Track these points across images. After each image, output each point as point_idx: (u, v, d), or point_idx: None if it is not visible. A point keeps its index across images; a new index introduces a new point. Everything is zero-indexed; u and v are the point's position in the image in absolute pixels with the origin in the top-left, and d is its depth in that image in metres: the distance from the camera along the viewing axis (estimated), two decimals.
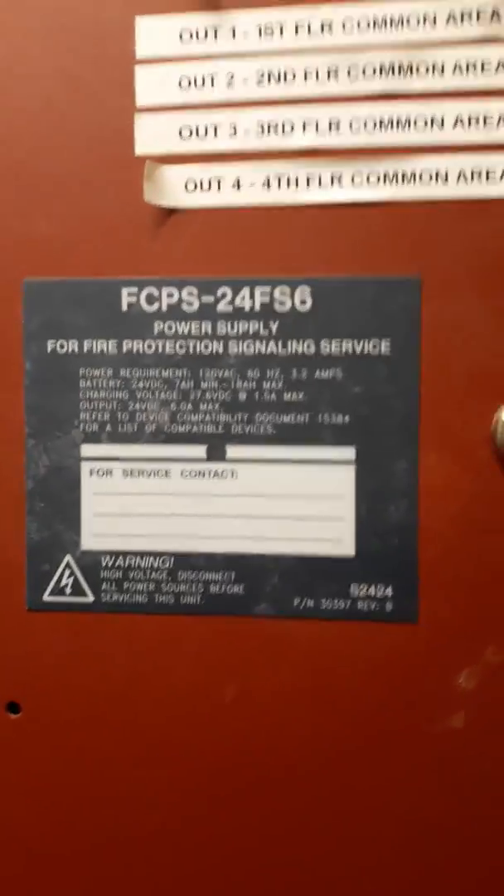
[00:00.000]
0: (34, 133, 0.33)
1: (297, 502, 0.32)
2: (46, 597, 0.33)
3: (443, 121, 0.31)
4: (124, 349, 0.33)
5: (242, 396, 0.32)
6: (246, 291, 0.32)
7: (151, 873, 0.33)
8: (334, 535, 0.32)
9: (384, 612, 0.32)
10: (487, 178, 0.31)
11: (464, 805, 0.32)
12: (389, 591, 0.32)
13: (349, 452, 0.32)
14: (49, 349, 0.33)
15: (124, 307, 0.33)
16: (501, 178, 0.31)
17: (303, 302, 0.32)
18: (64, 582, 0.33)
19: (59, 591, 0.33)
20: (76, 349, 0.33)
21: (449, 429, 0.31)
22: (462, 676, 0.32)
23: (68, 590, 0.33)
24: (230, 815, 0.33)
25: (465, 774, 0.32)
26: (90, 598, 0.33)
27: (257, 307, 0.32)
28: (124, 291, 0.33)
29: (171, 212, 0.32)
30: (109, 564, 0.33)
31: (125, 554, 0.33)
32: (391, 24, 0.31)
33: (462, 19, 0.31)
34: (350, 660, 0.32)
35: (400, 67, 0.31)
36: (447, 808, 0.32)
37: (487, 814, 0.32)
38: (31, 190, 0.33)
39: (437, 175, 0.31)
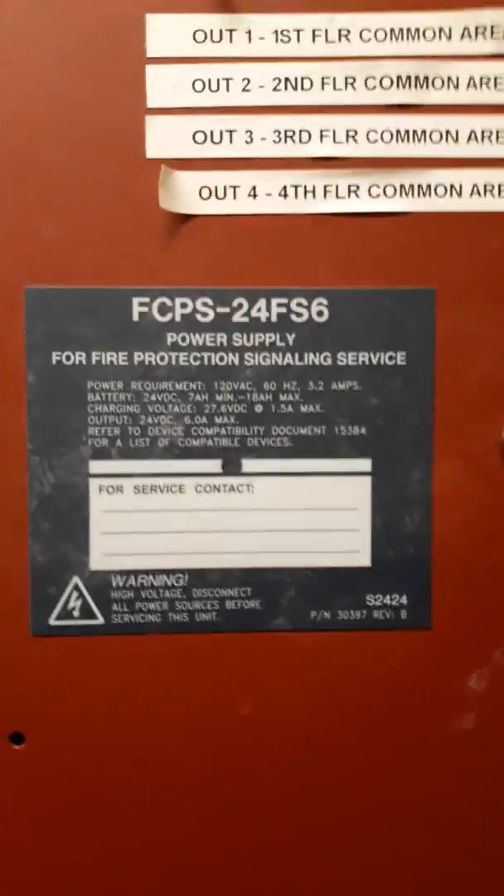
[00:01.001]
0: (38, 131, 0.24)
1: (313, 515, 0.26)
2: (53, 621, 0.25)
3: (457, 134, 0.25)
4: (136, 361, 0.25)
5: (259, 409, 0.25)
6: (262, 302, 0.25)
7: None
8: (350, 547, 0.26)
9: (399, 619, 0.26)
10: (500, 192, 0.26)
11: (476, 800, 0.26)
12: (404, 600, 0.26)
13: (365, 464, 0.26)
14: (54, 361, 0.25)
15: (135, 317, 0.25)
16: None
17: (319, 313, 0.25)
18: (72, 605, 0.25)
19: (66, 614, 0.25)
20: (83, 361, 0.25)
21: (461, 439, 0.26)
22: (473, 678, 0.26)
23: (76, 612, 0.25)
24: (251, 831, 0.26)
25: (477, 772, 0.26)
26: (100, 620, 0.25)
27: (274, 318, 0.25)
28: (135, 301, 0.25)
29: (184, 219, 0.25)
30: (120, 584, 0.26)
31: (137, 573, 0.25)
32: (407, 36, 0.25)
33: (476, 34, 0.25)
34: (366, 667, 0.26)
35: (416, 79, 0.25)
36: (461, 803, 0.26)
37: (499, 809, 0.26)
38: (34, 191, 0.24)
39: (451, 188, 0.25)
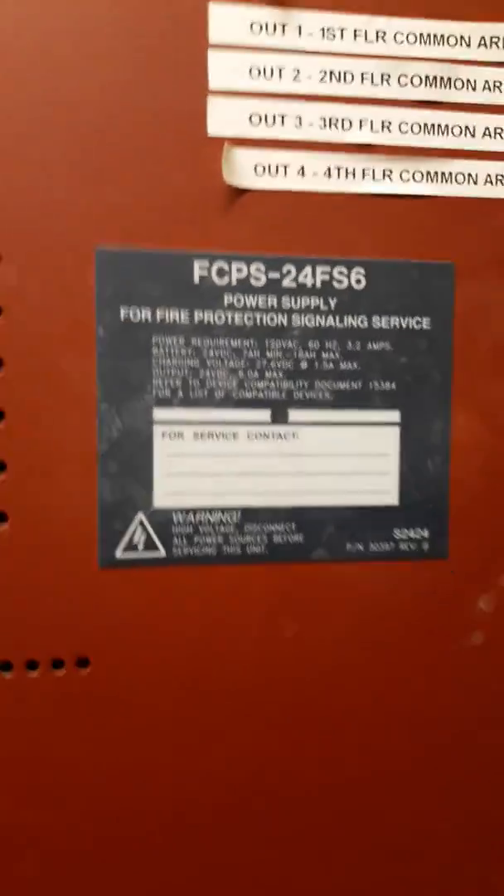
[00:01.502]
0: (113, 108, 0.26)
1: (350, 460, 0.29)
2: (119, 554, 0.28)
3: (474, 130, 0.29)
4: (196, 319, 0.28)
5: (304, 365, 0.29)
6: (308, 269, 0.28)
7: (222, 808, 0.29)
8: (381, 488, 0.29)
9: (421, 550, 0.30)
10: None
11: (484, 704, 0.30)
12: (426, 533, 0.30)
13: (395, 415, 0.29)
14: (122, 317, 0.27)
15: (196, 279, 0.28)
16: None
17: (358, 281, 0.29)
18: (136, 539, 0.28)
19: (131, 547, 0.28)
20: (149, 318, 0.27)
21: (476, 394, 0.29)
22: (482, 601, 0.30)
23: (140, 546, 0.28)
24: (297, 737, 0.29)
25: (485, 682, 0.30)
26: (162, 552, 0.28)
27: (318, 284, 0.28)
28: (196, 264, 0.28)
29: (240, 192, 0.28)
30: (181, 521, 0.28)
31: (196, 510, 0.28)
32: (433, 41, 0.29)
33: (491, 43, 0.29)
34: (393, 592, 0.29)
35: (440, 80, 0.29)
36: (472, 706, 0.30)
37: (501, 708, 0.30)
38: (106, 162, 0.26)
39: (468, 177, 0.29)
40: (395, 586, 0.29)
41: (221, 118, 0.27)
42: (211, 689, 0.28)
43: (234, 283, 0.27)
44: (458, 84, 0.28)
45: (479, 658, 0.29)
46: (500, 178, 0.29)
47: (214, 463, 0.28)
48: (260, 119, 0.27)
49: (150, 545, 0.27)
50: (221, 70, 0.27)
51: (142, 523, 0.27)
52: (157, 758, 0.28)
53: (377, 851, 0.29)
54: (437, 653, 0.29)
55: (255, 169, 0.27)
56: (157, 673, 0.27)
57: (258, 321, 0.27)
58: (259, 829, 0.28)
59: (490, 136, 0.29)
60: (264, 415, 0.28)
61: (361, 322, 0.28)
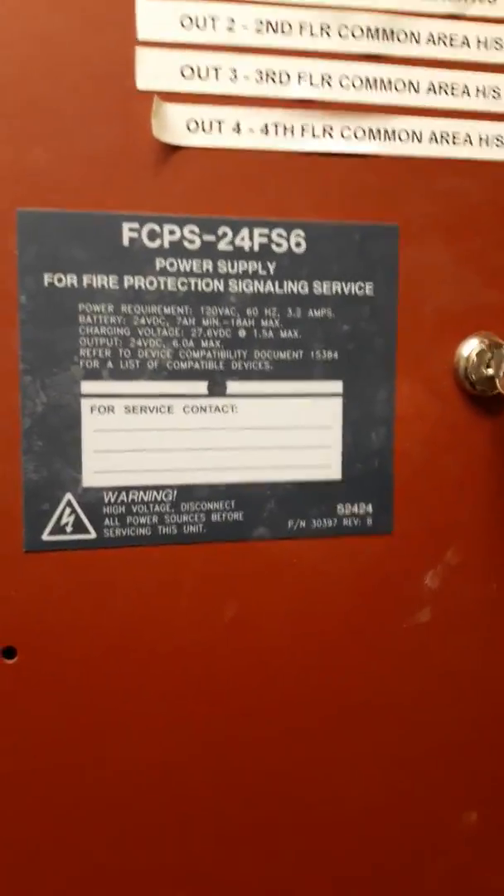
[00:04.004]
0: (30, 59, 0.25)
1: (291, 433, 0.29)
2: (46, 536, 0.27)
3: (418, 86, 0.29)
4: (125, 285, 0.27)
5: (242, 334, 0.28)
6: (245, 232, 0.28)
7: (159, 804, 0.28)
8: (323, 462, 0.29)
9: (365, 526, 0.29)
10: (453, 140, 0.29)
11: (430, 680, 0.30)
12: (370, 508, 0.29)
13: (337, 386, 0.29)
14: (46, 283, 0.26)
15: (125, 242, 0.27)
16: (464, 141, 0.29)
17: (297, 244, 0.28)
18: (64, 520, 0.27)
19: (59, 529, 0.27)
20: (75, 283, 0.26)
21: (420, 362, 0.29)
22: (428, 577, 0.30)
23: (69, 528, 0.27)
24: (241, 718, 0.29)
25: (432, 658, 0.30)
26: (92, 534, 0.27)
27: (256, 247, 0.28)
28: (125, 226, 0.27)
29: (172, 149, 0.27)
30: (112, 500, 0.27)
31: (128, 489, 0.27)
32: None
33: None
34: (337, 570, 0.29)
35: (382, 31, 0.28)
36: (419, 681, 0.30)
37: (448, 686, 0.30)
38: (27, 118, 0.25)
39: (412, 134, 0.29)
40: (339, 564, 0.29)
41: (151, 71, 0.26)
42: (146, 677, 0.27)
43: (166, 246, 0.26)
44: (402, 36, 0.28)
45: (427, 636, 0.29)
46: (445, 136, 0.28)
47: (148, 438, 0.27)
48: (192, 72, 0.26)
49: (79, 527, 0.27)
50: (151, 20, 0.26)
51: (70, 504, 0.26)
52: (89, 750, 0.27)
53: (328, 832, 0.29)
54: (382, 631, 0.29)
55: (188, 125, 0.26)
56: (89, 662, 0.27)
57: (193, 287, 0.27)
58: (200, 818, 0.28)
59: (435, 91, 0.28)
60: (200, 387, 0.27)
61: (302, 288, 0.28)
